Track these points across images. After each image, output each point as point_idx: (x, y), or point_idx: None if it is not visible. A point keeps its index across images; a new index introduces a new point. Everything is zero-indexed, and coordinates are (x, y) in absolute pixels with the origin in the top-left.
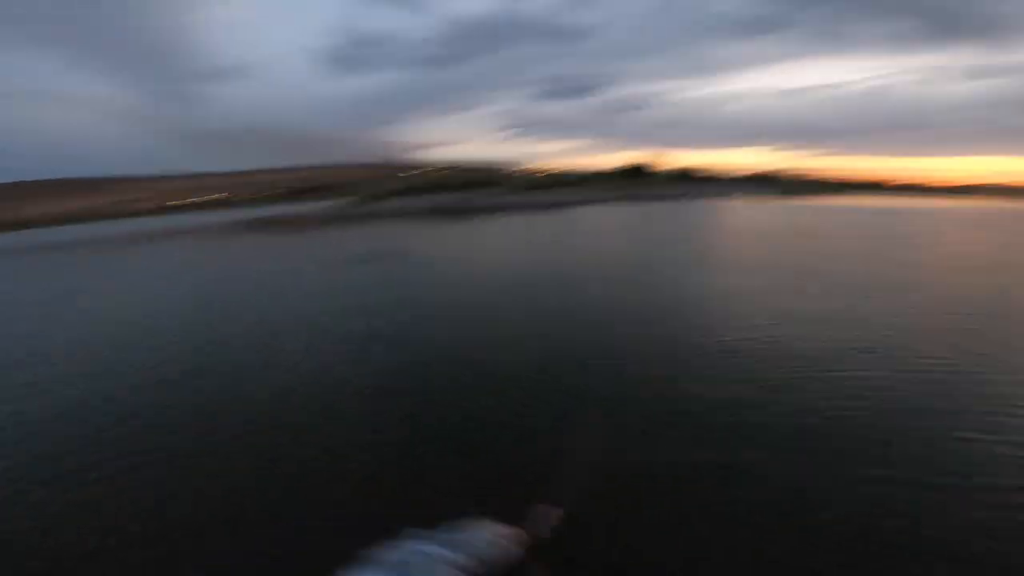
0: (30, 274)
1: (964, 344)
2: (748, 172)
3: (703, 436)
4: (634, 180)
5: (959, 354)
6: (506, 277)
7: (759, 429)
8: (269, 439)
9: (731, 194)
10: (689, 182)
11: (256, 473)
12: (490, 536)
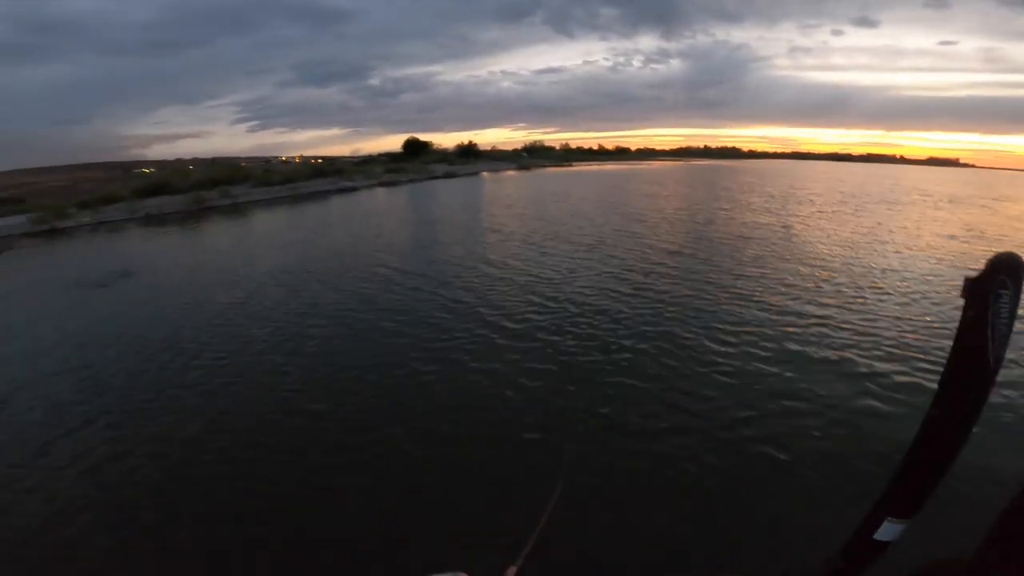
0: None
1: None
2: (517, 145)
3: None
4: (412, 160)
5: None
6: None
7: None
8: None
9: (505, 167)
10: (468, 157)
11: None
12: None
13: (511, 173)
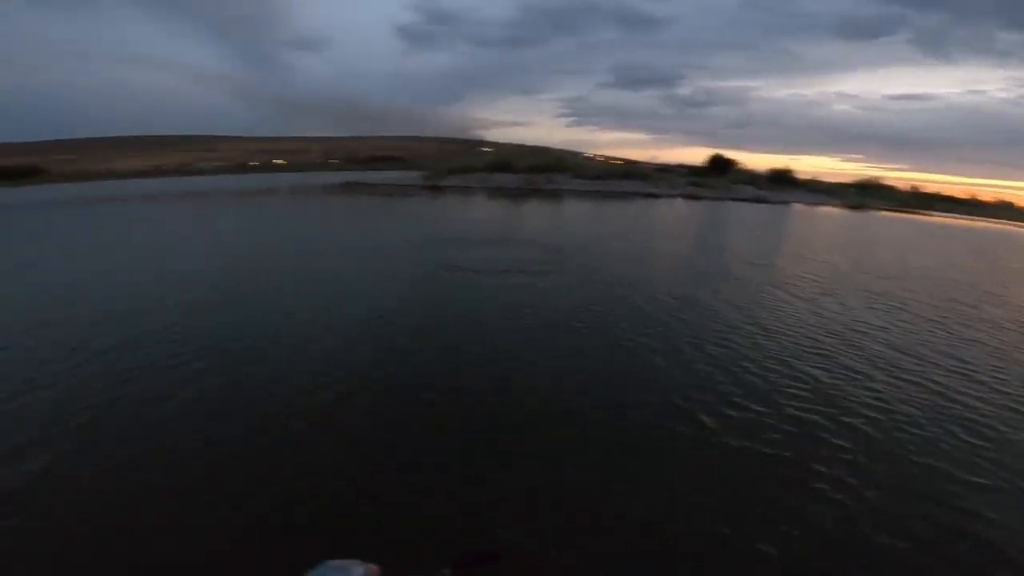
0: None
1: None
2: (845, 178)
3: None
4: (716, 176)
5: None
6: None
7: None
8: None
9: (826, 202)
10: (782, 184)
11: None
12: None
13: (832, 210)
